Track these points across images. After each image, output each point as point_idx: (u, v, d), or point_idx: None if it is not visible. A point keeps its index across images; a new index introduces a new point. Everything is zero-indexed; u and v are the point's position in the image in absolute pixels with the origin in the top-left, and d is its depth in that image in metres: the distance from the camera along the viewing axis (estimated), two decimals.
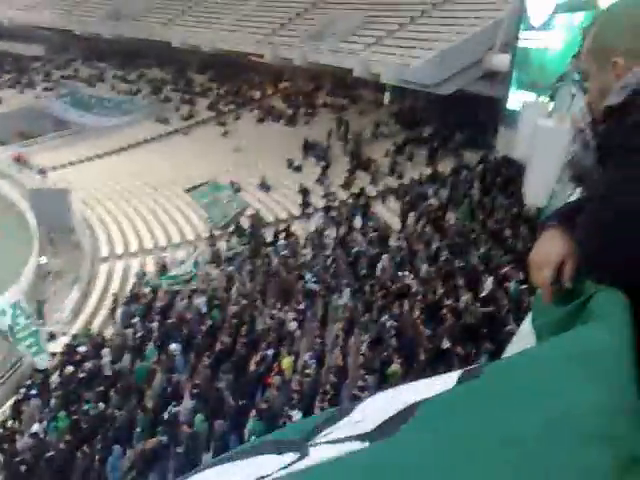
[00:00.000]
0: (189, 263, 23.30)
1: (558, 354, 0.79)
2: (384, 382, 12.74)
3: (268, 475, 0.74)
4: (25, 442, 14.48)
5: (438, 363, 12.82)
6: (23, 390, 17.13)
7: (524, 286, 13.96)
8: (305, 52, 31.90)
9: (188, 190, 31.62)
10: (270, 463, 0.78)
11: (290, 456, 0.79)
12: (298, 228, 25.70)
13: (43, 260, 26.30)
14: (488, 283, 15.45)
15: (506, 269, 15.69)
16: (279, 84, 41.43)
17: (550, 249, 1.14)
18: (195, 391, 14.75)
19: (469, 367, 0.92)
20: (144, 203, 31.47)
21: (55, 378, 17.22)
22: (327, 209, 26.02)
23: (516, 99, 21.33)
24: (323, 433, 0.85)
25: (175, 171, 33.83)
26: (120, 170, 35.65)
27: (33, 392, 16.51)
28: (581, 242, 1.10)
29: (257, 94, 41.33)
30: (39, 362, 18.50)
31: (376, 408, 0.87)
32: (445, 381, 0.87)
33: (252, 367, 15.22)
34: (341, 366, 14.31)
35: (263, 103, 39.96)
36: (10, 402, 17.04)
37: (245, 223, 27.09)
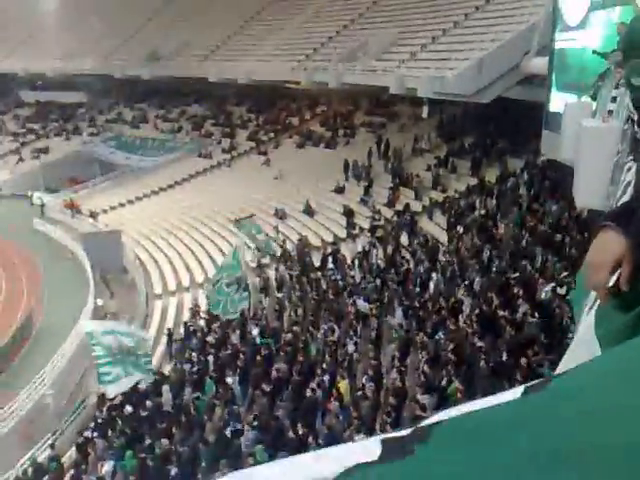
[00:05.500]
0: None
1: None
2: (445, 400, 12.46)
3: None
4: None
5: (499, 377, 12.49)
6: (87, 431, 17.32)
7: None
8: (340, 74, 32.13)
9: (236, 221, 31.93)
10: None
11: None
12: (345, 250, 25.63)
13: (100, 302, 26.87)
14: (547, 290, 15.04)
15: (562, 275, 15.26)
16: (316, 108, 41.79)
17: (605, 250, 1.09)
18: (255, 422, 14.70)
19: (533, 382, 0.85)
20: (192, 237, 31.98)
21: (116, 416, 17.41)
22: (373, 229, 25.89)
23: (557, 101, 20.93)
24: None
25: (220, 203, 34.38)
26: (167, 207, 36.47)
27: (96, 433, 16.70)
28: (638, 242, 1.05)
29: (295, 120, 41.77)
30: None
31: None
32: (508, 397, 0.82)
33: (309, 393, 15.11)
34: (400, 387, 14.07)
35: (302, 128, 40.33)
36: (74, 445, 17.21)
37: (292, 249, 27.15)
